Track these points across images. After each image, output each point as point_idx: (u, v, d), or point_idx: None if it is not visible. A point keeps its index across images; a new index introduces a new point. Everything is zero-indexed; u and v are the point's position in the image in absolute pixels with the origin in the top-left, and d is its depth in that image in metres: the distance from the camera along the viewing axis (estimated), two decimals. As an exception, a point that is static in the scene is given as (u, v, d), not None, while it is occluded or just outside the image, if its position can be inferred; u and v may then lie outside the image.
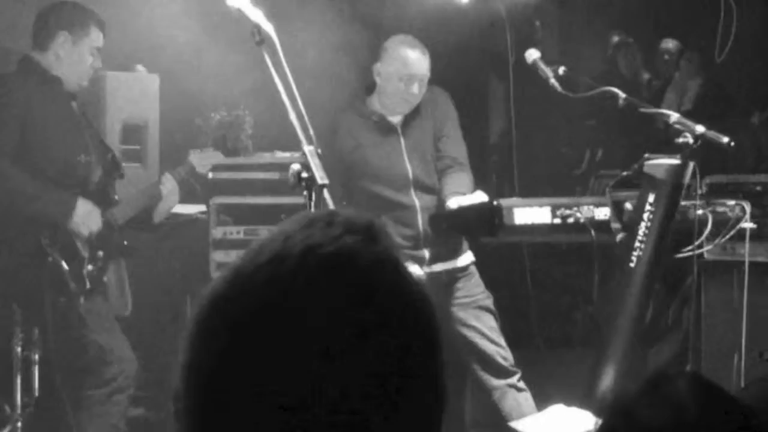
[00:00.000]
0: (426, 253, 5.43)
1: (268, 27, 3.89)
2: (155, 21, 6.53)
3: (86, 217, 5.10)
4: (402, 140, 5.47)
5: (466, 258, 5.57)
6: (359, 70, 6.85)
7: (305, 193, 3.79)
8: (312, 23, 6.93)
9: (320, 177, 3.74)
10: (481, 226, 5.12)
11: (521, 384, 5.50)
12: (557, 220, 4.99)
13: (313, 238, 1.23)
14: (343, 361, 1.19)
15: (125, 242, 5.48)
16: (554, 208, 5.00)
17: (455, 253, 5.51)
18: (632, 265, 4.74)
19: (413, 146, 5.47)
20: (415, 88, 5.39)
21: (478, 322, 5.50)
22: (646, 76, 9.93)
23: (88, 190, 5.20)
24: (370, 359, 1.20)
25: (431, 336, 1.28)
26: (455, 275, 5.53)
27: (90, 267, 5.11)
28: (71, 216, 5.04)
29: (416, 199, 5.42)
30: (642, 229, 4.72)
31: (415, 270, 1.33)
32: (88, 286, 5.03)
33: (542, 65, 5.35)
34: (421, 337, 1.26)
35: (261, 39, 3.88)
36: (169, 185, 5.64)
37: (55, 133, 5.10)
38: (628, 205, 4.91)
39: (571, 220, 4.98)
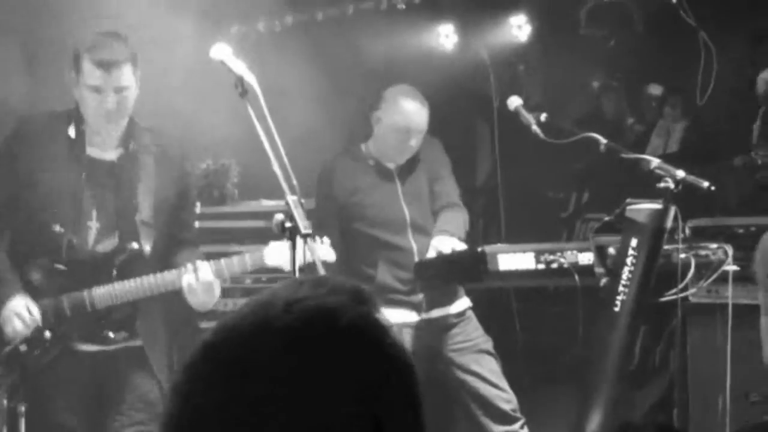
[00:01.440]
0: (422, 298, 5.45)
1: (251, 78, 3.93)
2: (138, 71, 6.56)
3: (9, 318, 4.50)
4: (399, 184, 5.52)
5: (463, 303, 5.58)
6: (345, 116, 6.91)
7: (289, 242, 3.81)
8: (297, 69, 6.98)
9: (304, 226, 3.76)
10: (466, 273, 5.15)
11: (524, 431, 5.49)
12: (541, 266, 5.01)
13: (298, 294, 1.29)
14: (317, 407, 1.23)
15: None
16: (538, 254, 5.02)
17: (452, 299, 5.53)
18: (617, 308, 4.76)
19: (410, 190, 5.52)
20: (413, 142, 5.44)
21: (478, 366, 5.49)
22: (630, 120, 9.98)
23: (62, 260, 4.56)
24: (343, 410, 1.24)
25: (411, 398, 1.32)
26: (452, 320, 5.53)
27: (23, 348, 4.53)
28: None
29: (413, 242, 5.45)
30: (625, 273, 4.74)
31: (400, 328, 1.37)
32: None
33: (524, 112, 5.41)
34: (399, 397, 1.30)
35: (244, 90, 3.91)
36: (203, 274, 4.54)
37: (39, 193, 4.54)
38: (612, 250, 4.94)
39: (555, 265, 5.01)
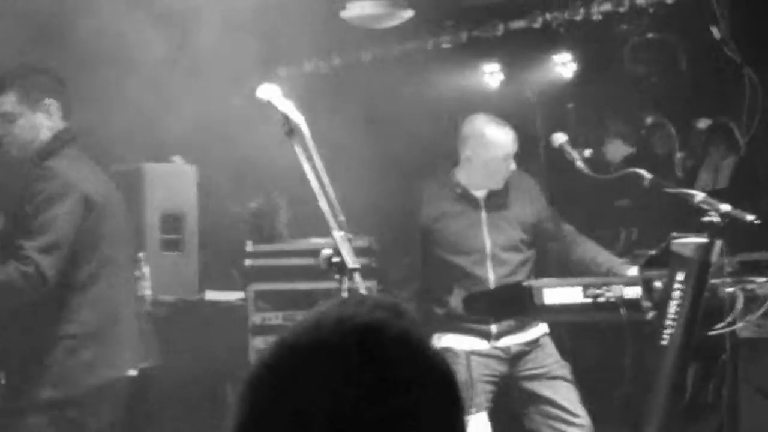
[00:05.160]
0: (493, 328, 5.48)
1: (298, 118, 3.98)
2: (189, 111, 6.67)
3: None
4: (484, 214, 5.57)
5: (537, 330, 5.59)
6: (392, 154, 6.97)
7: (337, 277, 3.86)
8: (344, 110, 7.06)
9: (351, 261, 3.81)
10: (513, 307, 5.17)
11: None
12: (588, 300, 5.01)
13: (346, 312, 1.40)
14: (370, 416, 1.33)
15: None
16: (585, 288, 5.03)
17: (524, 327, 5.54)
18: (664, 343, 4.76)
19: (494, 221, 5.57)
20: (511, 165, 5.54)
21: (552, 392, 5.50)
22: (679, 155, 9.93)
23: None
24: (396, 418, 1.34)
25: (453, 401, 1.42)
26: (524, 348, 5.55)
27: None
28: None
29: (491, 273, 5.49)
30: (673, 307, 4.75)
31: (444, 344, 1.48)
32: None
33: (568, 148, 5.47)
34: (443, 400, 1.40)
35: (290, 129, 3.97)
36: None
37: None
38: (658, 284, 4.94)
39: (602, 299, 5.00)
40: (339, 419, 1.32)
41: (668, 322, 4.75)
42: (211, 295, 7.25)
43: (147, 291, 7.00)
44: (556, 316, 5.37)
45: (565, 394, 5.50)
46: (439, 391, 1.39)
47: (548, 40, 7.14)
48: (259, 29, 6.98)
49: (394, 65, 7.55)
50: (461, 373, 5.39)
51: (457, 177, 5.61)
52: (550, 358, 5.57)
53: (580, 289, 5.02)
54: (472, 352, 5.39)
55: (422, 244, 5.55)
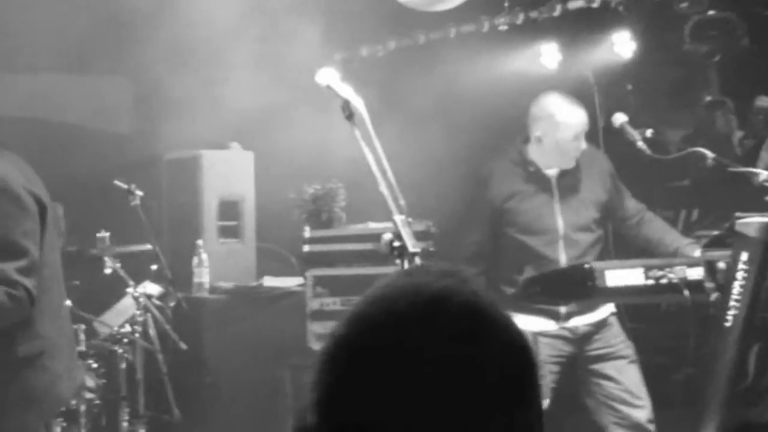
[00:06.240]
0: (562, 309, 5.46)
1: (357, 102, 3.97)
2: (246, 97, 6.70)
3: None
4: (556, 194, 5.54)
5: (605, 310, 5.56)
6: (448, 137, 6.94)
7: (398, 261, 3.84)
8: (400, 93, 7.05)
9: (412, 245, 3.78)
10: (574, 290, 5.12)
11: None
12: (650, 281, 4.95)
13: (414, 282, 1.41)
14: (455, 389, 1.33)
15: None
16: (647, 270, 4.96)
17: (593, 307, 5.51)
18: (728, 324, 4.70)
19: (566, 201, 5.54)
20: (582, 144, 5.51)
21: (617, 372, 5.48)
22: (739, 134, 9.82)
23: None
24: (478, 388, 1.35)
25: (524, 363, 1.42)
26: (591, 328, 5.53)
27: None
28: None
29: (562, 254, 5.47)
30: (736, 287, 4.69)
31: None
32: None
33: (629, 129, 5.41)
34: (512, 362, 1.40)
35: (350, 113, 3.95)
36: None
37: None
38: (722, 264, 4.87)
39: (664, 281, 4.94)
40: (414, 390, 1.33)
41: (732, 304, 4.69)
42: (269, 282, 7.28)
43: (205, 278, 7.05)
44: (618, 299, 5.33)
45: (630, 376, 5.48)
46: (506, 349, 1.40)
47: (607, 20, 7.06)
48: (316, 14, 6.98)
49: (450, 48, 7.51)
50: None
51: (530, 155, 5.57)
52: (617, 338, 5.54)
53: (641, 270, 4.96)
54: (540, 333, 5.37)
55: (492, 223, 5.52)
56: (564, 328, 5.47)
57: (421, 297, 1.38)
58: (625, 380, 5.46)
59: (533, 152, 5.56)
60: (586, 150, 5.55)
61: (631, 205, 5.74)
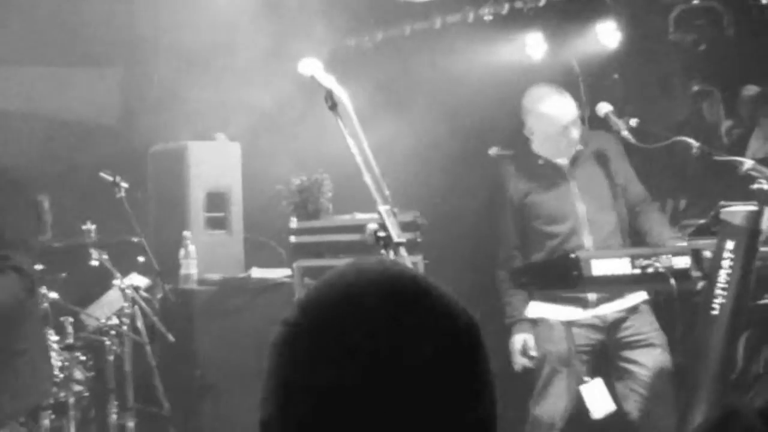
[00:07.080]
0: (591, 296, 5.46)
1: (341, 92, 3.96)
2: (232, 89, 6.69)
3: None
4: (571, 181, 5.57)
5: (636, 297, 5.55)
6: (434, 128, 6.93)
7: (383, 251, 3.84)
8: (387, 83, 7.04)
9: (396, 235, 3.78)
10: (560, 279, 5.12)
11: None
12: (636, 271, 4.95)
13: (364, 266, 1.45)
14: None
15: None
16: (633, 259, 4.97)
17: (622, 294, 5.51)
18: (715, 312, 4.71)
19: (584, 187, 5.57)
20: (574, 133, 5.50)
21: (648, 358, 5.47)
22: (727, 123, 9.83)
23: None
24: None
25: (469, 348, 1.43)
26: (622, 315, 5.53)
27: None
28: None
29: (588, 238, 5.48)
30: (722, 276, 4.69)
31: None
32: None
33: (614, 118, 5.41)
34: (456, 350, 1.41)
35: (333, 103, 3.94)
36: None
37: None
38: (707, 253, 4.88)
39: (650, 270, 4.94)
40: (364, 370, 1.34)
41: (718, 292, 4.69)
42: (257, 273, 7.27)
43: (193, 269, 7.04)
44: (605, 288, 5.33)
45: (659, 362, 5.45)
46: (448, 339, 1.40)
47: (592, 10, 7.06)
48: (303, 4, 6.97)
49: (436, 38, 7.51)
50: (558, 344, 5.40)
51: (535, 149, 5.60)
52: (648, 326, 5.53)
53: (628, 260, 4.95)
54: (570, 323, 5.37)
55: (516, 219, 5.56)
56: (595, 317, 5.47)
57: (370, 279, 1.40)
58: (653, 365, 5.43)
59: (535, 145, 5.59)
60: (597, 132, 5.57)
61: (637, 191, 5.73)
